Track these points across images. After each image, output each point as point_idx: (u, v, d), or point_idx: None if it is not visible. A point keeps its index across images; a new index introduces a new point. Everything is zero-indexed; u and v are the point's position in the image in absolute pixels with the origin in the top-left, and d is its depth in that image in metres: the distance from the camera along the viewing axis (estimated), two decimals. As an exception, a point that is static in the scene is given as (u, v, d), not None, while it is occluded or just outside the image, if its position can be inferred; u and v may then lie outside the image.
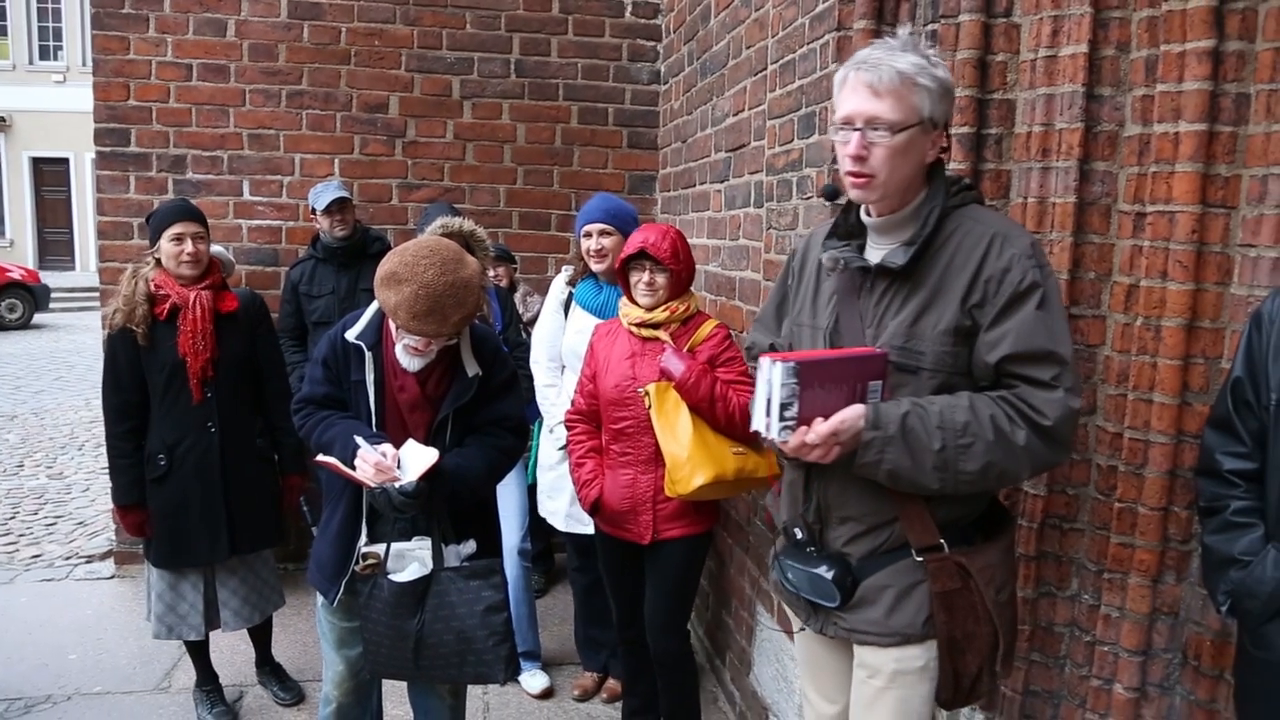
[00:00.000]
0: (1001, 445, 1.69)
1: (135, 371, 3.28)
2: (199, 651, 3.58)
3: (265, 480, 3.53)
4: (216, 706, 3.55)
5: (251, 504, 3.43)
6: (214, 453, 3.33)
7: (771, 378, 1.67)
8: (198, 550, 3.36)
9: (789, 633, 3.02)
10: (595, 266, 3.41)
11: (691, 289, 3.06)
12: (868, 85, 1.72)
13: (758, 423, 1.73)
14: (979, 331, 1.75)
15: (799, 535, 1.96)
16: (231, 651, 3.91)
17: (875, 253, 1.87)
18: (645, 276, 2.92)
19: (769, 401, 1.69)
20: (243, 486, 3.40)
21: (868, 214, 1.89)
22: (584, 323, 3.41)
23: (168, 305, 3.24)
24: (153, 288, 3.25)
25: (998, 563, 1.85)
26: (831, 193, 1.93)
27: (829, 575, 1.87)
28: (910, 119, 1.71)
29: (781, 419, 1.69)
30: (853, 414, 1.72)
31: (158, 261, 3.30)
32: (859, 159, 1.73)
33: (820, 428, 1.70)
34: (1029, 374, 1.71)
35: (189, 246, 3.26)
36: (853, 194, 1.82)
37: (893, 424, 1.71)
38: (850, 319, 1.87)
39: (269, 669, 3.77)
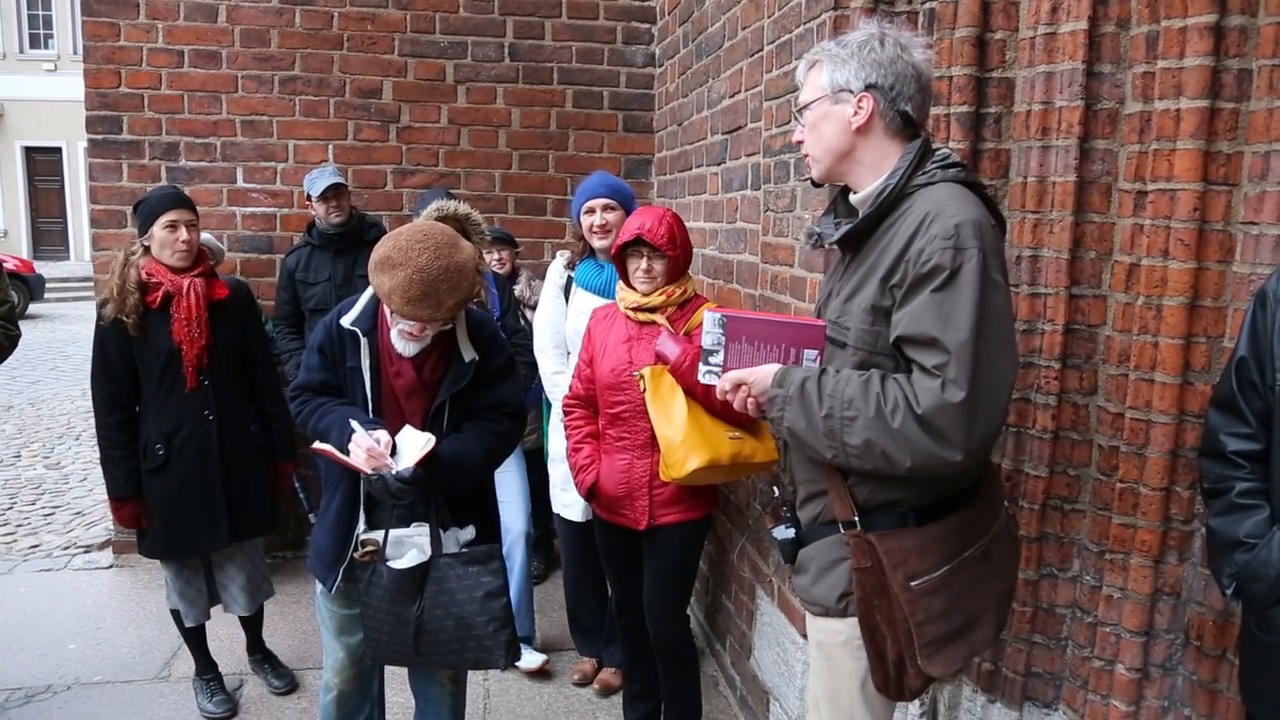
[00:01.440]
0: (880, 424, 1.67)
1: (127, 361, 3.26)
2: (197, 641, 3.57)
3: (260, 467, 3.52)
4: (216, 695, 3.54)
5: (248, 491, 3.43)
6: (212, 440, 3.33)
7: (705, 326, 1.87)
8: (198, 540, 3.36)
9: (782, 603, 3.02)
10: (598, 243, 3.37)
11: (688, 271, 3.04)
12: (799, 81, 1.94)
13: (699, 371, 1.91)
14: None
15: (775, 494, 2.08)
16: (231, 640, 3.90)
17: None
18: (643, 264, 2.89)
19: (702, 348, 1.88)
20: (240, 474, 3.39)
21: (853, 192, 1.92)
22: (587, 304, 3.37)
23: (160, 293, 3.21)
24: (144, 276, 3.21)
25: (914, 549, 1.79)
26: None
27: (782, 536, 1.98)
28: (813, 95, 1.86)
29: (707, 364, 1.88)
30: (765, 370, 1.82)
31: (146, 249, 3.26)
32: (799, 144, 1.93)
33: (729, 374, 1.85)
34: (916, 358, 1.68)
35: (183, 234, 3.23)
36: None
37: (793, 385, 1.77)
38: (831, 293, 1.95)
39: (260, 656, 3.76)
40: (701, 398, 2.77)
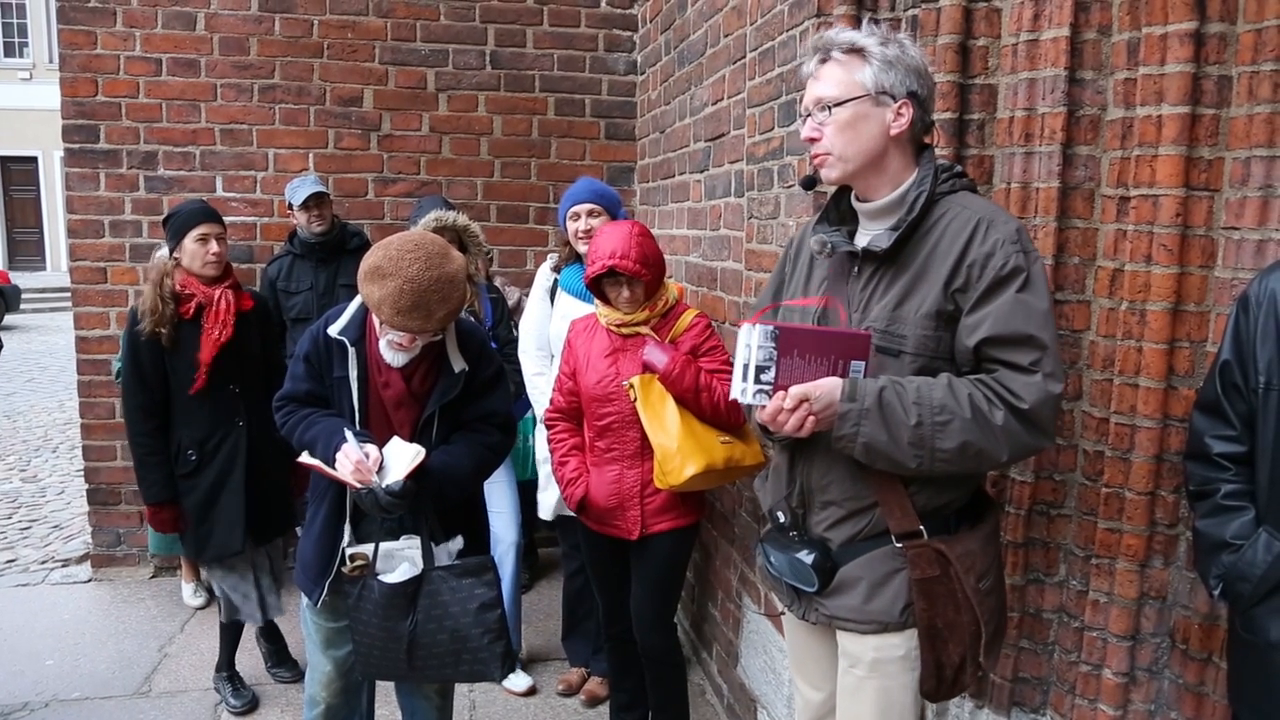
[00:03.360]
0: (979, 424, 1.68)
1: (159, 370, 3.34)
2: (232, 640, 3.67)
3: (284, 471, 3.56)
4: (241, 691, 3.65)
5: (273, 495, 3.52)
6: (243, 446, 3.42)
7: (750, 341, 1.70)
8: (223, 542, 3.41)
9: (773, 616, 3.01)
10: (583, 248, 3.36)
11: (665, 278, 3.00)
12: (811, 73, 1.85)
13: (735, 389, 1.75)
14: (961, 316, 1.75)
15: (782, 519, 1.97)
16: (212, 653, 3.86)
17: (864, 238, 1.88)
18: (624, 292, 2.86)
19: (746, 366, 1.71)
20: (267, 478, 3.47)
21: (858, 199, 1.90)
22: (571, 308, 3.38)
23: (193, 304, 3.31)
24: (179, 288, 3.31)
25: (978, 550, 1.83)
26: (810, 182, 1.94)
27: (808, 560, 1.87)
28: (852, 92, 1.78)
29: (758, 382, 1.71)
30: (829, 384, 1.73)
31: (177, 262, 3.36)
32: (813, 140, 1.83)
33: (794, 390, 1.71)
34: (1007, 358, 1.70)
35: (213, 247, 3.35)
36: (821, 175, 1.87)
37: (869, 397, 1.71)
38: (839, 304, 1.89)
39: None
40: (691, 404, 2.77)
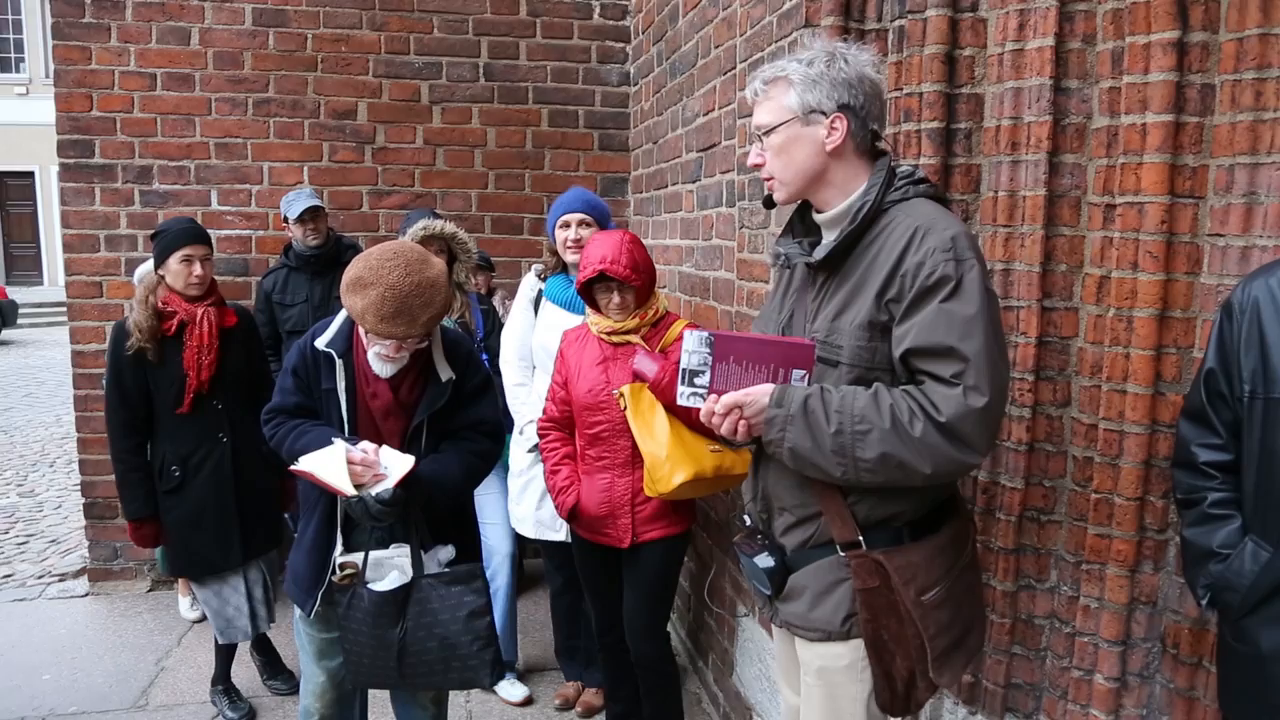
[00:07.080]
0: (898, 435, 1.67)
1: (142, 387, 3.37)
2: (227, 654, 3.69)
3: (272, 485, 3.59)
4: (238, 703, 3.66)
5: (261, 509, 3.54)
6: (226, 461, 3.44)
7: (688, 346, 1.77)
8: (212, 558, 3.43)
9: (764, 623, 3.02)
10: (571, 258, 3.37)
11: (655, 288, 3.02)
12: (750, 102, 1.89)
13: (679, 393, 1.80)
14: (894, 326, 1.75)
15: (748, 522, 2.01)
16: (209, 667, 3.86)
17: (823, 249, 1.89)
18: (615, 299, 2.89)
19: (684, 370, 1.78)
20: (253, 493, 3.49)
21: (818, 211, 1.92)
22: (555, 318, 3.38)
23: (176, 321, 3.34)
24: (161, 305, 3.34)
25: (921, 563, 1.80)
26: (770, 201, 1.97)
27: (764, 564, 1.90)
28: (780, 117, 1.81)
29: (691, 385, 1.78)
30: (760, 390, 1.76)
31: (161, 278, 3.38)
32: (758, 166, 1.88)
33: (725, 398, 1.76)
34: (930, 369, 1.69)
35: (198, 269, 3.37)
36: (774, 197, 1.91)
37: (795, 403, 1.73)
38: (800, 313, 1.92)
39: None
40: (681, 412, 2.78)
